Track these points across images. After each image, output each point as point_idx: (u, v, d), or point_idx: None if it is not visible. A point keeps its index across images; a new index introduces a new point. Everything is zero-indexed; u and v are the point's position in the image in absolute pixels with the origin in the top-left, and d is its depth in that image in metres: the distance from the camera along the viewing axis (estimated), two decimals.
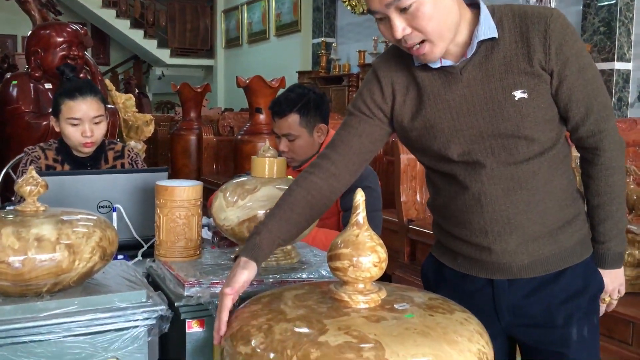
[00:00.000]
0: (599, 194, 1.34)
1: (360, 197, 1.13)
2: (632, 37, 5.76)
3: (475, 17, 1.24)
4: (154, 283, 1.49)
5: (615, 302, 1.44)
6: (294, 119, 2.15)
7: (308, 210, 1.30)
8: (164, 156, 6.83)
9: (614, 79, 5.71)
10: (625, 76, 5.81)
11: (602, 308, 1.42)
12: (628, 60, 5.79)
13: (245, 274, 1.20)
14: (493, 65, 1.23)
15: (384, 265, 1.13)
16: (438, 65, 1.25)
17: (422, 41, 1.19)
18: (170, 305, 1.32)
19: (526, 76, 1.22)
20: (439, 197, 1.38)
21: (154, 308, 1.26)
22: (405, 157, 3.25)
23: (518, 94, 1.22)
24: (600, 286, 1.38)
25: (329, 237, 1.95)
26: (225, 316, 1.15)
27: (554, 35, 1.20)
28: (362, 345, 0.97)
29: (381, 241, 1.14)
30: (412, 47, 1.20)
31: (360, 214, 1.13)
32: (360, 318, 1.06)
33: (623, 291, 1.43)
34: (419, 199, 3.30)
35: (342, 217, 2.11)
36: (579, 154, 1.38)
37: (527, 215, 1.27)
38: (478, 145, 1.26)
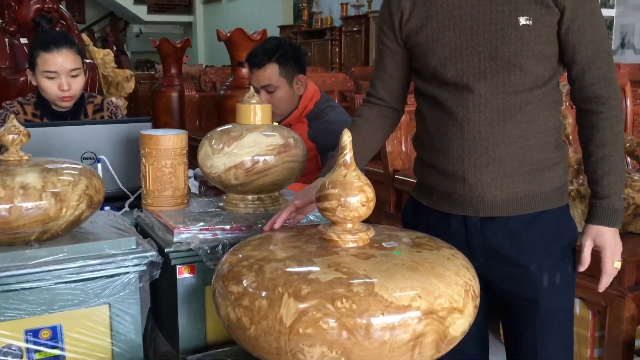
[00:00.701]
0: (604, 144, 1.31)
1: (347, 137, 1.14)
2: None
3: None
4: (142, 232, 1.49)
5: (618, 268, 1.35)
6: (272, 68, 2.12)
7: (373, 131, 1.45)
8: (146, 114, 6.73)
9: None
10: (609, 23, 5.79)
11: (607, 277, 1.35)
12: (611, 7, 5.77)
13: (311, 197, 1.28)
14: None
15: (372, 205, 1.14)
16: None
17: None
18: (160, 252, 1.33)
19: (534, 5, 1.24)
20: (424, 126, 1.39)
21: (144, 254, 1.27)
22: None
23: (522, 20, 1.24)
24: (574, 234, 1.39)
25: None
26: (281, 219, 1.27)
27: None
28: (352, 281, 0.98)
29: (368, 181, 1.14)
30: None
31: (348, 155, 1.14)
32: (349, 256, 1.08)
33: (619, 262, 1.35)
34: (404, 149, 3.31)
35: (319, 158, 2.10)
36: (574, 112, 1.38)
37: (506, 149, 1.27)
38: (473, 68, 1.28)
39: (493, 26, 1.26)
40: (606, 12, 5.74)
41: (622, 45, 5.84)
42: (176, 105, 5.36)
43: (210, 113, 5.27)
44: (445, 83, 1.32)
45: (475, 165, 1.30)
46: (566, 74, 1.36)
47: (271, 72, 2.12)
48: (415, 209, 1.46)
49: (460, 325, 1.02)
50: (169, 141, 1.50)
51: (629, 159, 2.81)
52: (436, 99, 1.34)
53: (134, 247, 1.28)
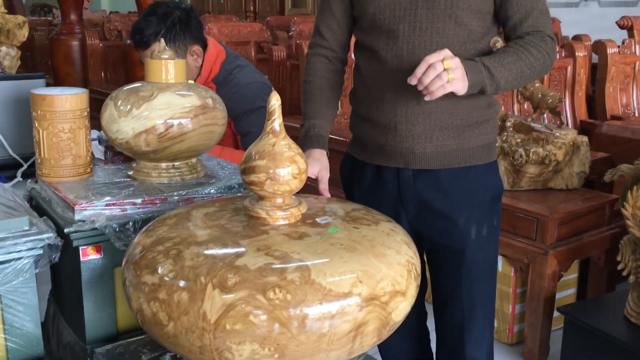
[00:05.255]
0: (512, 46, 1.26)
1: (275, 101, 1.00)
2: None
3: None
4: (38, 207, 1.30)
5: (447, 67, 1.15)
6: (159, 47, 1.88)
7: (334, 89, 1.45)
8: (44, 65, 6.19)
9: None
10: None
11: (423, 65, 1.16)
12: None
13: (319, 164, 1.36)
14: None
15: (304, 177, 1.02)
16: None
17: None
18: (60, 232, 1.16)
19: None
20: (360, 79, 1.40)
21: (40, 237, 1.10)
22: None
23: None
24: (500, 189, 1.42)
25: (234, 156, 1.81)
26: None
27: None
28: (285, 266, 0.87)
29: (300, 150, 1.02)
30: None
31: (277, 121, 1.01)
32: (280, 236, 0.96)
33: (454, 76, 1.14)
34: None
35: (240, 142, 1.94)
36: None
37: (437, 101, 1.23)
38: (409, 16, 1.28)
39: None
40: None
41: None
42: (77, 55, 4.94)
43: (117, 64, 4.90)
44: (382, 32, 1.31)
45: (407, 116, 1.31)
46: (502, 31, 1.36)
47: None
48: (351, 164, 1.47)
49: (403, 309, 0.94)
50: (66, 102, 1.30)
51: (550, 114, 2.85)
52: (372, 49, 1.34)
53: (26, 228, 1.10)
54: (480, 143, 1.36)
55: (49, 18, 7.74)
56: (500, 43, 1.35)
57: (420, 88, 1.15)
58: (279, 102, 1.00)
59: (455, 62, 1.14)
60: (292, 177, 0.99)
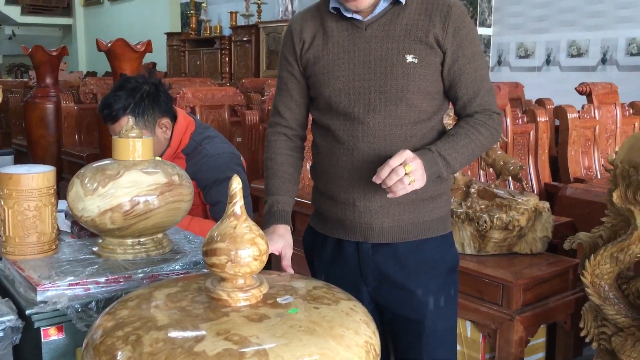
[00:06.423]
0: (463, 127, 1.35)
1: (236, 184, 1.03)
2: (493, 3, 6.04)
3: None
4: (1, 286, 1.30)
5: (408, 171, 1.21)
6: (127, 122, 1.91)
7: (295, 165, 1.49)
8: (19, 126, 6.19)
9: None
10: (487, 41, 6.11)
11: (387, 169, 1.21)
12: (489, 26, 6.08)
13: (283, 240, 1.37)
14: (395, 29, 1.34)
15: (265, 258, 1.04)
16: (350, 14, 1.35)
17: None
18: (22, 312, 1.15)
19: (420, 44, 1.33)
20: (318, 157, 1.46)
21: (1, 319, 1.09)
22: None
23: (409, 58, 1.33)
24: (455, 260, 1.47)
25: (203, 226, 1.83)
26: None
27: (454, 19, 1.33)
28: (243, 350, 0.88)
29: (261, 232, 1.05)
30: None
31: (238, 204, 1.03)
32: (240, 318, 0.97)
33: (414, 178, 1.21)
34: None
35: (209, 211, 1.97)
36: None
37: None
38: (363, 100, 1.34)
39: (383, 62, 1.33)
40: (484, 31, 6.06)
41: (499, 62, 6.18)
42: (52, 118, 4.95)
43: (91, 127, 4.93)
44: (338, 113, 1.38)
45: (365, 193, 1.36)
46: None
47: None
48: (313, 236, 1.52)
49: None
50: (33, 180, 1.32)
51: (512, 181, 2.93)
52: (329, 129, 1.40)
53: None
54: (435, 216, 1.41)
55: (25, 80, 7.77)
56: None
57: (384, 187, 1.22)
58: (240, 185, 1.03)
59: (415, 165, 1.22)
60: (252, 259, 1.01)
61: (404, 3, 1.34)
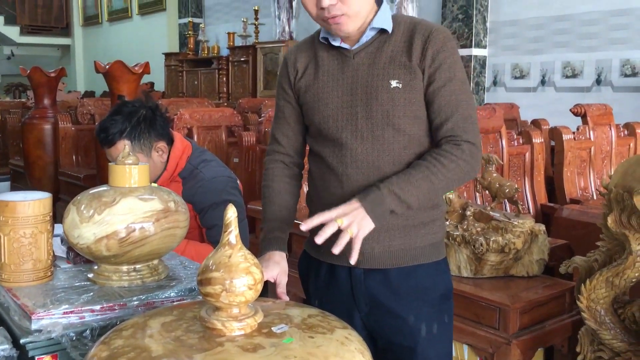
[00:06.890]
0: (426, 158, 1.32)
1: (232, 213, 1.04)
2: (488, 25, 6.11)
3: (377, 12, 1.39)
4: None
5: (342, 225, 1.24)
6: (124, 146, 1.94)
7: (291, 193, 1.50)
8: (16, 146, 6.21)
9: (472, 64, 6.03)
10: (482, 62, 6.16)
11: (320, 218, 1.26)
12: (484, 47, 6.14)
13: (279, 267, 1.38)
14: (381, 56, 1.36)
15: (260, 287, 1.05)
16: (338, 43, 1.38)
17: (341, 15, 1.31)
18: (16, 341, 1.15)
19: (404, 70, 1.35)
20: (312, 183, 1.47)
21: None
22: None
23: (393, 83, 1.34)
24: (449, 287, 1.46)
25: (199, 250, 1.83)
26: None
27: (434, 42, 1.34)
28: None
29: (256, 260, 1.05)
30: (332, 17, 1.31)
31: (233, 232, 1.04)
32: (235, 348, 0.97)
33: (355, 230, 1.24)
34: None
35: (205, 234, 1.98)
36: None
37: None
38: (352, 126, 1.36)
39: (368, 88, 1.35)
40: (479, 52, 6.11)
41: (495, 83, 6.23)
42: (49, 139, 4.97)
43: (88, 147, 4.94)
44: (327, 140, 1.40)
45: None
46: None
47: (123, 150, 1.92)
48: (308, 261, 1.53)
49: None
50: (29, 208, 1.32)
51: (508, 204, 2.94)
52: (320, 155, 1.43)
53: None
54: (427, 242, 1.41)
55: (23, 100, 7.80)
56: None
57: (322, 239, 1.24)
58: (235, 214, 1.04)
59: (347, 220, 1.22)
60: (247, 288, 1.01)
61: (390, 32, 1.37)
